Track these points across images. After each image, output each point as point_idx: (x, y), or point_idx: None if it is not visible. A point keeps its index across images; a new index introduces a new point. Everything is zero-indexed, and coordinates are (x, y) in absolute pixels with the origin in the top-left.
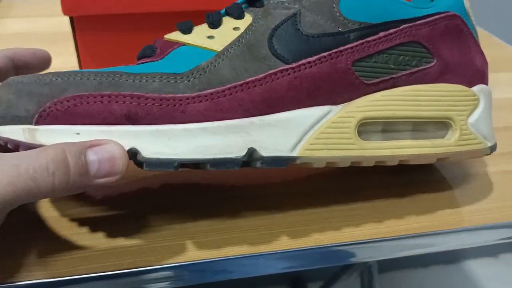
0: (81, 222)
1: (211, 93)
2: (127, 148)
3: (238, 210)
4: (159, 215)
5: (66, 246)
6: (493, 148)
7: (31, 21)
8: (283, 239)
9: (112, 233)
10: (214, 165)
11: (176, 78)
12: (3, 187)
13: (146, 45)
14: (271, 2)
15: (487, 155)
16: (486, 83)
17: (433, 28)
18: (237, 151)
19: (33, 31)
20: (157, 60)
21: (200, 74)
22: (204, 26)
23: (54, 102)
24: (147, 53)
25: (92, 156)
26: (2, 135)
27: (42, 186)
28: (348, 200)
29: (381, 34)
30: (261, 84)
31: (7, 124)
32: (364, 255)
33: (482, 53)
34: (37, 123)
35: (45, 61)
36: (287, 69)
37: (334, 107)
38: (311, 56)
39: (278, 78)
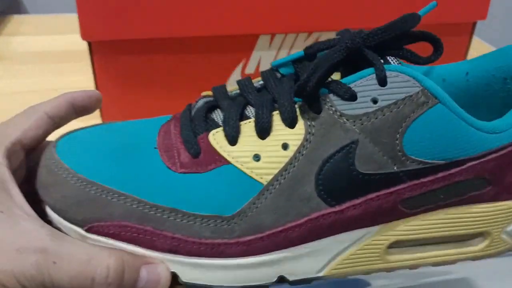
0: None
1: (250, 240)
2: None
3: None
4: None
5: None
6: None
7: (43, 38)
8: None
9: None
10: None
11: (216, 222)
12: (63, 278)
13: (187, 124)
14: (329, 110)
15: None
16: None
17: (502, 160)
18: (268, 279)
19: (46, 49)
20: (200, 173)
21: (241, 219)
22: (251, 127)
23: (101, 225)
24: (191, 150)
25: (144, 273)
26: (55, 222)
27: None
28: None
29: (440, 174)
30: (300, 228)
31: (58, 215)
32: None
33: None
34: (87, 232)
35: (99, 102)
36: (329, 213)
37: (370, 229)
38: (356, 198)
39: (319, 221)
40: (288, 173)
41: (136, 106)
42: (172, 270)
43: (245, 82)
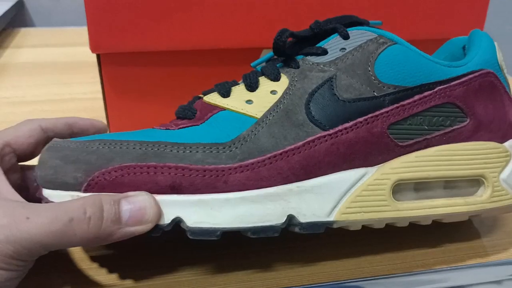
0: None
1: (252, 163)
2: (171, 217)
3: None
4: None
5: None
6: None
7: (47, 50)
8: (303, 273)
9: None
10: (254, 233)
11: (218, 148)
12: (41, 227)
13: (184, 105)
14: (306, 63)
15: None
16: None
17: (467, 88)
18: (276, 218)
19: (50, 61)
20: (198, 125)
21: (241, 144)
22: (242, 88)
23: (102, 172)
24: (187, 115)
25: (126, 205)
26: (50, 199)
27: (77, 229)
28: (363, 236)
29: (416, 97)
30: (300, 152)
31: (54, 189)
32: None
33: None
34: (85, 191)
35: (101, 132)
36: (324, 136)
37: (369, 169)
38: (347, 122)
39: (316, 145)
40: (280, 107)
41: (143, 117)
42: (176, 215)
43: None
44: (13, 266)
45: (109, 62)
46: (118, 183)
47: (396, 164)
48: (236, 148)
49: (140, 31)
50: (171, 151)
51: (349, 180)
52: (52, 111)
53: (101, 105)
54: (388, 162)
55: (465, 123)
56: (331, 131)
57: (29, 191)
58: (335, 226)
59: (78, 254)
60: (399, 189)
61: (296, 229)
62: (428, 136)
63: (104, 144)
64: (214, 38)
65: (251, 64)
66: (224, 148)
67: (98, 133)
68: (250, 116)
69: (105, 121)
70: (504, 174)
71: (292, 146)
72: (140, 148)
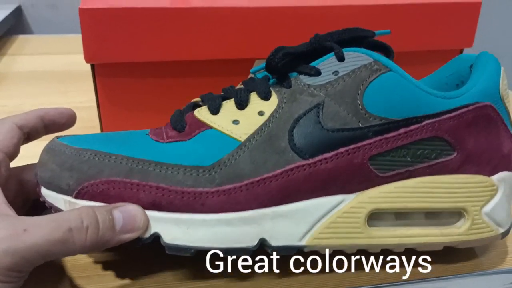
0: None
1: (229, 189)
2: (151, 232)
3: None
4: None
5: None
6: (505, 233)
7: (46, 58)
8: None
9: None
10: (226, 253)
11: (198, 171)
12: (41, 237)
13: (177, 113)
14: (298, 83)
15: (497, 240)
16: (510, 168)
17: (458, 122)
18: (249, 241)
19: (48, 69)
20: (185, 140)
21: (221, 169)
22: (231, 104)
23: (91, 183)
24: (178, 127)
25: (118, 214)
26: (48, 199)
27: (76, 238)
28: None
29: (402, 130)
30: (277, 180)
31: (51, 190)
32: None
33: (511, 137)
34: (76, 198)
35: (71, 119)
36: (303, 165)
37: (346, 196)
38: (328, 152)
39: (294, 174)
40: (264, 131)
41: (137, 127)
42: (155, 231)
43: (228, 87)
44: (10, 278)
45: (103, 72)
46: (105, 195)
47: (374, 193)
48: (216, 172)
49: (133, 42)
50: (154, 170)
51: (325, 206)
52: None
53: (97, 114)
54: (366, 190)
55: (451, 157)
56: (311, 160)
57: (28, 191)
58: (306, 250)
59: (70, 263)
60: (378, 213)
61: (268, 250)
62: (410, 168)
63: (95, 155)
64: (206, 49)
65: (250, 70)
66: (204, 171)
67: (68, 122)
68: (234, 139)
69: (99, 130)
70: (487, 208)
71: (271, 174)
72: (126, 164)
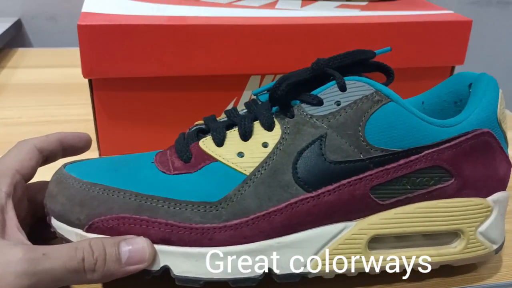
0: None
1: (236, 224)
2: (161, 264)
3: None
4: None
5: None
6: (498, 249)
7: (45, 71)
8: None
9: None
10: (234, 283)
11: (205, 207)
12: (59, 263)
13: (181, 140)
14: (301, 113)
15: (492, 255)
16: (505, 188)
17: (456, 150)
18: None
19: (47, 82)
20: (191, 173)
21: (228, 204)
22: (235, 135)
23: (101, 219)
24: (183, 158)
25: (125, 247)
26: (59, 231)
27: (87, 267)
28: None
29: (402, 161)
30: (282, 213)
31: (62, 222)
32: None
33: (508, 161)
34: (87, 231)
35: (88, 144)
36: (307, 198)
37: (348, 224)
38: (330, 184)
39: (298, 206)
40: (268, 164)
41: (134, 142)
42: (166, 264)
43: (231, 110)
44: None
45: (100, 87)
46: (115, 230)
47: (375, 220)
48: (223, 208)
49: (131, 58)
50: (163, 206)
51: (328, 235)
52: (47, 132)
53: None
54: (367, 217)
55: (449, 182)
56: (314, 193)
57: (36, 209)
58: (309, 276)
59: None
60: (379, 236)
61: (273, 278)
62: (410, 195)
63: (104, 190)
64: (202, 65)
65: (253, 92)
66: (211, 207)
67: (85, 146)
68: (240, 172)
69: (95, 144)
70: (482, 228)
71: (275, 208)
72: (135, 200)
